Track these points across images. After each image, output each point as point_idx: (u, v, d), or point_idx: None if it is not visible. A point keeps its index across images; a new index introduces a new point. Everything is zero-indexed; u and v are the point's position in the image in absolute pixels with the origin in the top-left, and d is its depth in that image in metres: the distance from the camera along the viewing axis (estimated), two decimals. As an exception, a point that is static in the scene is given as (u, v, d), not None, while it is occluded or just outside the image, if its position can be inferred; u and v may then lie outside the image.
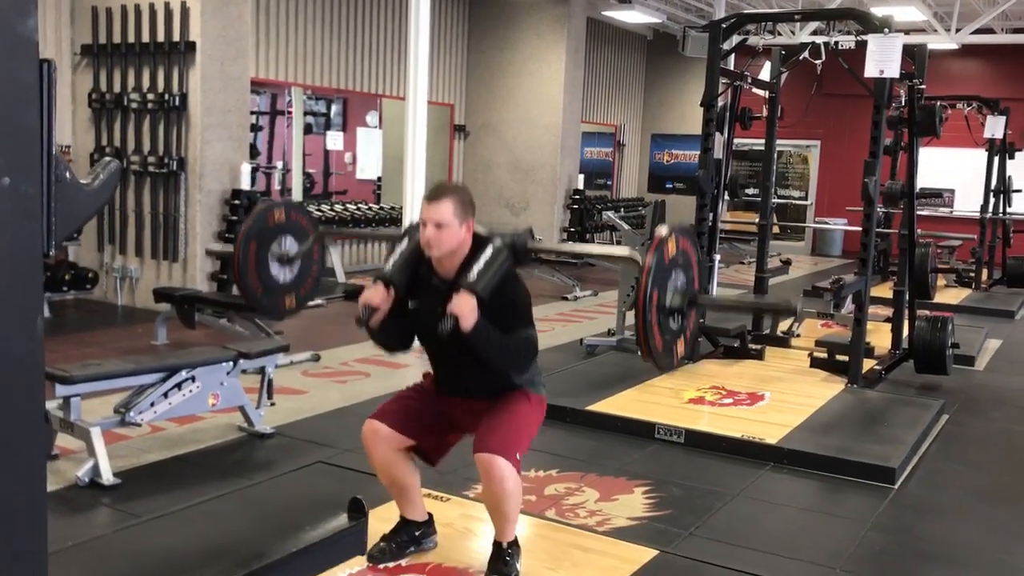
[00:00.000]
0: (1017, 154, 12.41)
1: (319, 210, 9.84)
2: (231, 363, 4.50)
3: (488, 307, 2.78)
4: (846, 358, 6.12)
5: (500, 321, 2.81)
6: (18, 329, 1.24)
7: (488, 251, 2.87)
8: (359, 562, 3.07)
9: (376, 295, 2.90)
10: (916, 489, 4.39)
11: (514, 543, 3.04)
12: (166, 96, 7.64)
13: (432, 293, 2.93)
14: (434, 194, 2.88)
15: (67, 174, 1.28)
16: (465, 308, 2.73)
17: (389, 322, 2.96)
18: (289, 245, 3.48)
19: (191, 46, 7.54)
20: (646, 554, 3.29)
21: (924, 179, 12.35)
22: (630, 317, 7.19)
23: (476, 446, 2.88)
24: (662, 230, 2.71)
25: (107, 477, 3.86)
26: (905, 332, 6.73)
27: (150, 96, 7.70)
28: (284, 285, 3.47)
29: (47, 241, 1.28)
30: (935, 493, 4.36)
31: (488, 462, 2.83)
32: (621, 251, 3.06)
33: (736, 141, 15.21)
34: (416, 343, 3.15)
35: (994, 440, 5.37)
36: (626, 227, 7.62)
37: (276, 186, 10.73)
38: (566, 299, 9.72)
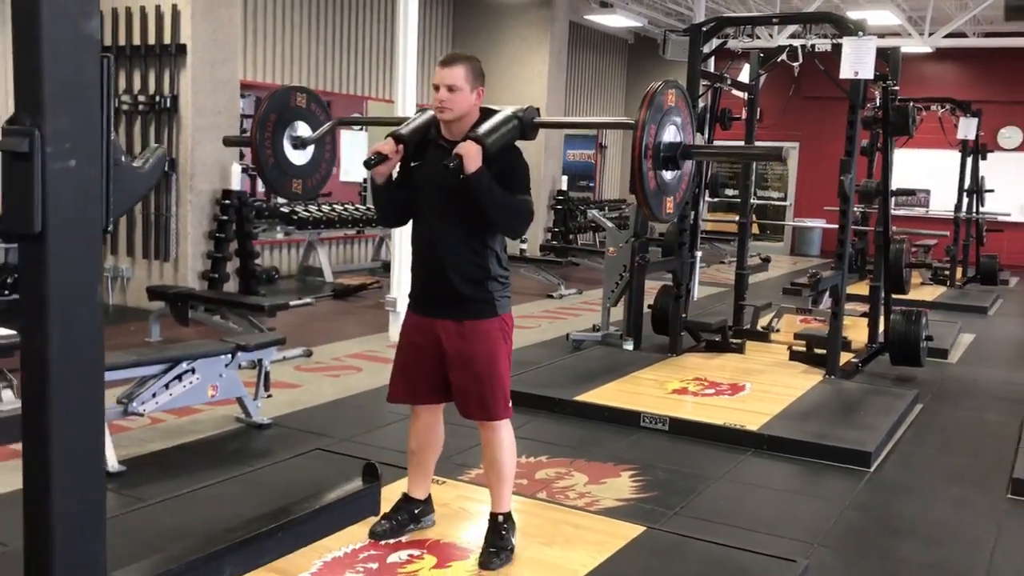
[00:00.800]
0: (989, 155, 12.70)
1: (306, 211, 9.97)
2: (230, 355, 4.64)
3: (490, 167, 2.91)
4: (824, 351, 6.31)
5: (501, 183, 2.94)
6: (81, 293, 1.39)
7: (499, 115, 3.03)
8: (361, 537, 3.22)
9: (386, 145, 3.05)
10: (891, 472, 4.59)
11: (509, 517, 3.19)
12: (157, 98, 7.76)
13: (438, 151, 3.05)
14: (448, 60, 3.01)
15: (123, 158, 1.43)
16: (471, 150, 2.87)
17: (394, 186, 3.11)
18: (304, 131, 3.62)
19: (182, 48, 7.67)
20: (634, 530, 3.45)
21: (901, 179, 12.61)
22: (615, 313, 7.37)
23: (474, 412, 3.09)
24: (655, 84, 2.85)
25: (112, 464, 3.98)
26: (881, 326, 6.94)
27: (141, 98, 7.82)
28: (295, 167, 3.60)
29: (106, 217, 1.43)
30: (908, 475, 4.56)
31: (489, 427, 3.10)
32: (621, 120, 3.18)
33: (717, 142, 15.46)
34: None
35: (965, 427, 5.57)
36: (610, 225, 7.80)
37: (261, 187, 10.84)
38: (551, 297, 9.90)
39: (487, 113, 3.06)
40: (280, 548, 2.21)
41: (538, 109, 3.17)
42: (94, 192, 1.40)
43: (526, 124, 3.06)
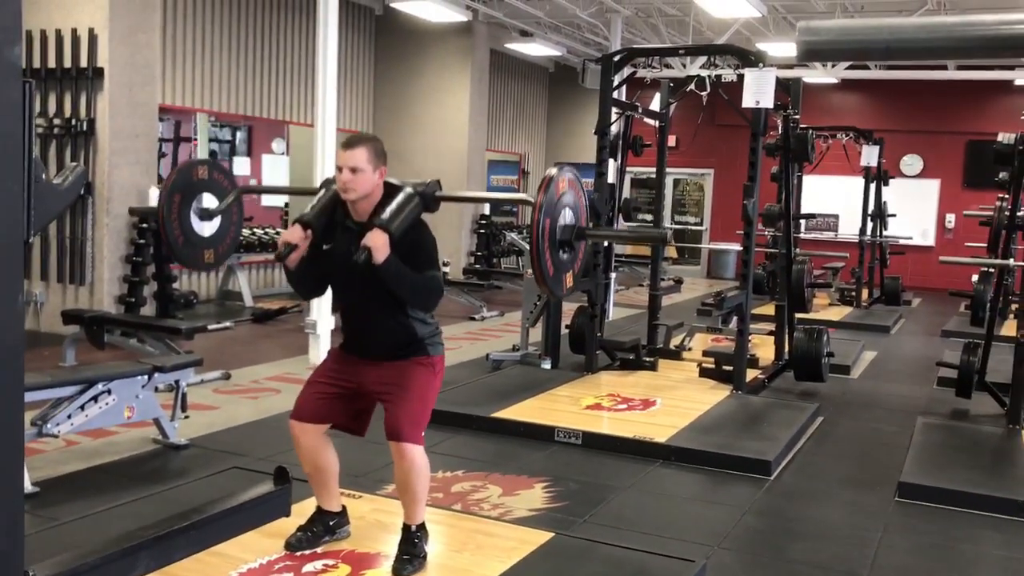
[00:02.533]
0: (892, 181, 13.33)
1: (227, 235, 9.94)
2: (146, 376, 4.66)
3: (398, 247, 3.04)
4: (731, 367, 6.59)
5: (408, 261, 3.07)
6: (3, 303, 1.49)
7: (400, 196, 3.14)
8: (277, 549, 3.30)
9: (294, 234, 3.15)
10: (790, 479, 4.84)
11: (422, 526, 3.31)
12: (74, 121, 7.71)
13: (346, 234, 3.17)
14: (350, 142, 3.13)
15: (43, 175, 1.54)
16: (378, 241, 3.00)
17: (306, 265, 3.20)
18: (210, 202, 3.69)
19: (99, 72, 7.64)
20: (543, 536, 3.60)
21: (810, 205, 13.18)
22: (534, 333, 7.56)
23: (387, 432, 3.15)
24: (552, 170, 3.02)
25: (25, 486, 3.97)
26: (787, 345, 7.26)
27: (57, 121, 7.75)
28: (204, 239, 3.67)
29: (27, 230, 1.53)
30: (806, 482, 4.82)
31: (398, 449, 3.13)
32: (517, 196, 3.36)
33: (635, 169, 15.90)
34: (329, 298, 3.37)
35: (862, 437, 5.89)
36: (528, 247, 7.99)
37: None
38: (473, 319, 10.04)
39: (390, 189, 3.18)
40: (193, 545, 2.30)
41: (439, 182, 3.32)
42: (16, 206, 1.50)
43: (428, 199, 3.21)
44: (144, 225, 7.92)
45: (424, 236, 3.19)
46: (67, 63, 7.74)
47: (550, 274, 3.02)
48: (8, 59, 1.47)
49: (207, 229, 3.68)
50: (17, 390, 1.54)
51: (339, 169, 3.12)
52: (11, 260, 1.52)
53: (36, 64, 7.82)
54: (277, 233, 10.77)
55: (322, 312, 6.99)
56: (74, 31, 7.70)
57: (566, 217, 3.05)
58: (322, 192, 3.29)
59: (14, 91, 1.49)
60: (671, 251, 17.65)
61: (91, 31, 7.64)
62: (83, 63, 7.68)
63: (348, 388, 3.28)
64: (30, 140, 1.52)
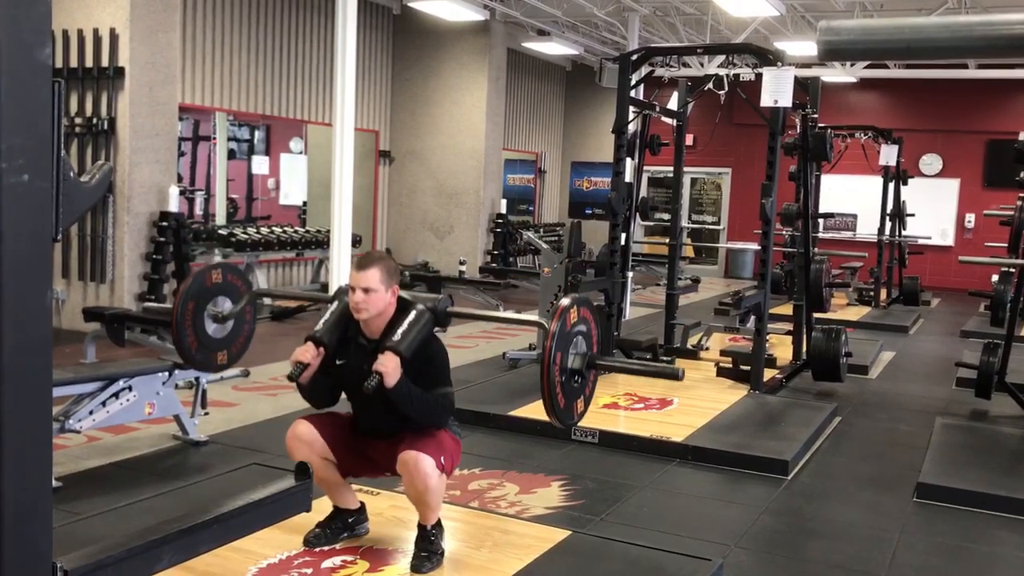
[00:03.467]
0: (911, 181, 13.26)
1: (244, 233, 10.00)
2: (167, 373, 4.71)
3: (410, 365, 3.08)
4: (748, 367, 6.58)
5: (420, 378, 3.11)
6: (33, 298, 1.52)
7: (412, 314, 3.17)
8: (295, 545, 3.33)
9: (306, 353, 3.17)
10: (807, 479, 4.83)
11: (438, 524, 3.32)
12: (94, 120, 7.78)
13: (359, 351, 3.22)
14: (362, 263, 3.18)
15: (71, 173, 1.56)
16: (389, 366, 3.02)
17: (318, 379, 3.23)
18: (223, 305, 3.73)
19: (120, 71, 7.71)
20: (560, 534, 3.61)
21: (829, 204, 13.14)
22: (549, 332, 7.56)
23: (400, 449, 3.13)
24: (564, 300, 3.03)
25: (48, 481, 4.02)
26: (805, 344, 7.23)
27: (79, 120, 7.83)
28: (217, 341, 3.71)
29: (56, 227, 1.56)
30: (824, 482, 4.81)
31: (413, 459, 3.08)
32: (531, 317, 3.39)
33: (653, 168, 15.86)
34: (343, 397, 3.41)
35: (880, 437, 5.86)
36: (545, 246, 8.00)
37: (199, 210, 10.84)
38: (489, 318, 10.04)
39: (403, 304, 3.22)
40: (216, 539, 2.33)
41: (451, 298, 3.37)
42: (45, 203, 1.53)
43: (440, 315, 3.24)
44: (164, 223, 7.99)
45: (436, 352, 3.22)
46: (88, 63, 7.81)
47: (560, 405, 3.02)
48: (39, 59, 1.50)
49: (221, 331, 3.72)
50: (45, 385, 1.57)
51: (352, 289, 3.16)
52: (40, 257, 1.55)
53: (58, 64, 7.90)
54: (295, 231, 10.83)
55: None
56: (95, 31, 7.77)
57: (578, 346, 3.06)
58: (334, 306, 3.32)
59: (44, 91, 1.52)
60: (688, 251, 17.63)
61: (112, 31, 7.71)
62: (104, 63, 7.75)
63: (360, 443, 3.32)
64: (59, 139, 1.55)
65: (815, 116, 7.25)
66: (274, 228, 10.55)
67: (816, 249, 8.10)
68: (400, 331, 3.11)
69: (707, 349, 7.82)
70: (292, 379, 3.16)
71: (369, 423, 3.34)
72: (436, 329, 3.23)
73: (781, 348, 7.80)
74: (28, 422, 1.52)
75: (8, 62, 1.42)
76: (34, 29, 1.44)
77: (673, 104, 8.28)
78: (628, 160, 7.40)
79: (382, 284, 3.14)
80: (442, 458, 3.17)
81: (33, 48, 1.46)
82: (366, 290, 3.11)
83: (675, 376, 3.16)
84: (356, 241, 9.62)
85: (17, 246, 1.48)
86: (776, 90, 6.32)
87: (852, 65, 13.81)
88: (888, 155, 12.04)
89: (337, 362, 3.26)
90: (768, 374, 6.78)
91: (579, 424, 5.25)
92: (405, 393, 3.06)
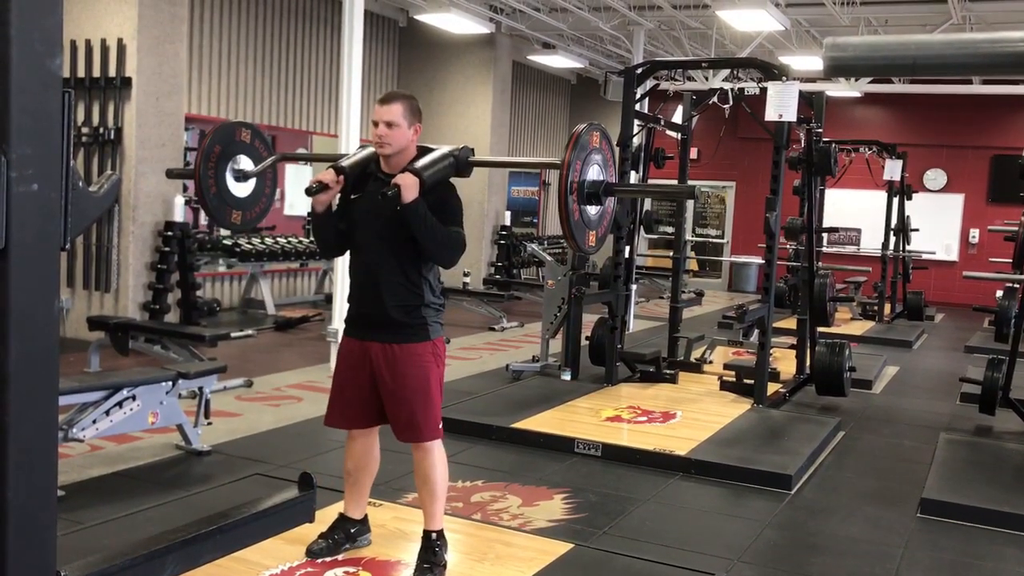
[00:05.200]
0: (915, 196, 13.26)
1: (249, 243, 10.02)
2: (170, 383, 4.71)
3: (426, 199, 3.09)
4: (752, 381, 6.57)
5: (435, 215, 3.12)
6: (41, 306, 1.52)
7: (435, 152, 3.22)
8: (298, 556, 3.32)
9: (327, 175, 3.21)
10: (810, 493, 4.82)
11: (441, 535, 3.32)
12: (101, 129, 7.81)
13: (377, 184, 3.23)
14: (386, 97, 3.21)
15: (80, 183, 1.57)
16: (409, 180, 3.05)
17: (332, 213, 3.27)
18: (248, 164, 3.75)
19: (127, 82, 7.74)
20: (563, 547, 3.61)
21: (833, 218, 13.14)
22: (554, 344, 7.57)
23: (404, 437, 3.22)
24: (580, 125, 3.06)
25: (51, 489, 4.02)
26: (809, 359, 7.22)
27: (85, 129, 7.86)
28: (236, 199, 3.72)
29: (64, 236, 1.57)
30: (827, 497, 4.79)
31: (417, 447, 3.23)
32: (548, 160, 3.38)
33: (657, 181, 15.92)
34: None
35: (884, 452, 5.85)
36: (549, 259, 8.01)
37: (204, 221, 10.87)
38: (493, 330, 10.06)
39: (424, 151, 3.25)
40: (220, 549, 2.33)
41: (472, 149, 3.38)
42: (54, 213, 1.54)
43: (461, 161, 3.27)
44: (170, 233, 8.02)
45: (452, 195, 3.25)
46: (96, 72, 7.85)
47: (576, 220, 3.04)
48: (50, 70, 1.52)
49: (241, 190, 3.73)
50: (52, 394, 1.58)
51: (375, 124, 3.19)
52: (49, 265, 1.56)
53: (66, 73, 7.93)
54: (299, 242, 10.85)
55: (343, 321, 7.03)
56: (103, 41, 7.81)
57: (594, 172, 3.08)
58: (359, 150, 3.38)
59: (55, 101, 1.53)
60: (692, 264, 17.62)
61: (120, 41, 7.75)
62: (111, 73, 7.79)
63: (366, 384, 3.28)
64: (69, 148, 1.56)
65: (820, 130, 7.26)
66: (278, 239, 10.57)
67: (820, 263, 8.10)
68: (422, 161, 3.15)
69: (711, 362, 7.81)
70: (309, 195, 3.19)
71: (368, 275, 3.24)
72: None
73: (785, 362, 7.79)
74: (34, 430, 1.52)
75: (19, 72, 1.43)
76: (45, 39, 1.45)
77: (678, 117, 8.29)
78: (633, 173, 7.41)
79: (404, 119, 3.16)
80: (439, 425, 3.24)
81: (44, 58, 1.47)
82: (389, 124, 3.15)
83: (691, 194, 3.21)
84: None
85: (26, 255, 1.49)
86: (781, 104, 6.33)
87: (857, 80, 13.83)
88: (892, 170, 12.05)
89: (352, 196, 3.28)
90: (772, 388, 6.77)
91: (582, 437, 5.28)
92: (421, 213, 3.07)
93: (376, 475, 3.51)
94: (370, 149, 3.32)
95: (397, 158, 3.21)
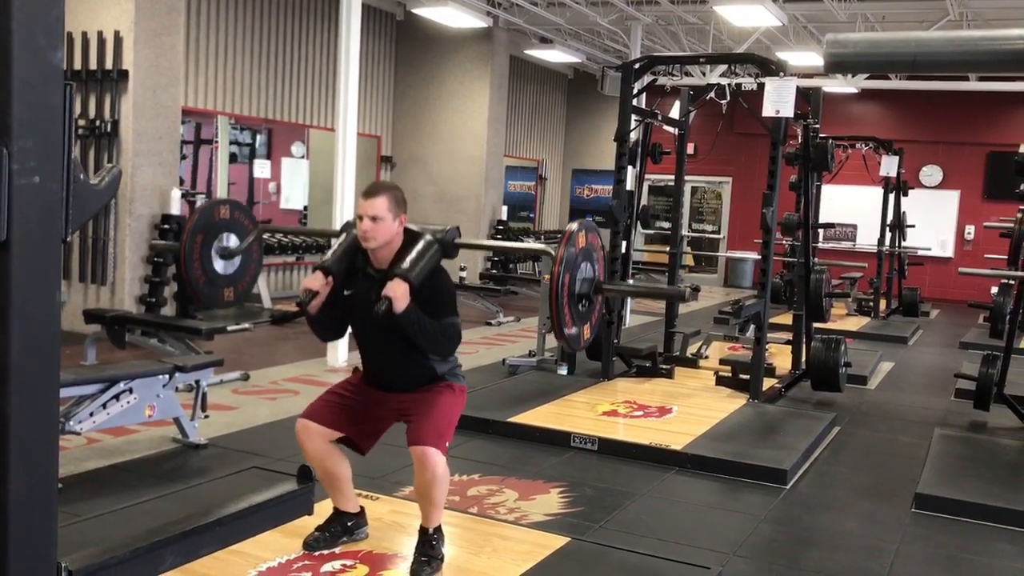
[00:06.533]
0: (911, 192, 13.28)
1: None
2: (167, 376, 4.71)
3: (418, 294, 3.10)
4: (748, 376, 6.58)
5: (428, 309, 3.13)
6: (39, 301, 1.53)
7: (420, 244, 3.20)
8: (295, 549, 3.33)
9: (315, 281, 3.20)
10: (806, 488, 4.84)
11: (438, 529, 3.33)
12: (98, 122, 7.80)
13: (367, 281, 3.23)
14: (370, 191, 3.19)
15: (81, 175, 1.57)
16: (398, 291, 3.05)
17: (326, 310, 3.25)
18: (231, 242, 3.73)
19: (124, 74, 7.73)
20: (559, 541, 3.62)
21: (829, 214, 13.15)
22: (550, 340, 7.57)
23: (410, 439, 3.17)
24: (572, 225, 3.05)
25: (48, 482, 4.02)
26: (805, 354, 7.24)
27: (81, 122, 7.84)
28: (225, 277, 3.72)
29: (65, 229, 1.58)
30: (822, 491, 4.81)
31: (422, 453, 3.12)
32: (537, 247, 3.41)
33: (654, 177, 15.93)
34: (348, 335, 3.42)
35: (879, 447, 5.87)
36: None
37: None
38: (490, 324, 10.07)
39: (410, 235, 3.24)
40: (219, 541, 2.34)
41: (458, 228, 3.39)
42: (55, 205, 1.54)
43: (447, 245, 3.29)
44: (166, 226, 8.01)
45: (443, 283, 3.25)
46: (92, 65, 7.83)
47: (569, 328, 3.05)
48: (52, 62, 1.52)
49: (228, 267, 3.73)
50: (53, 387, 1.58)
51: (360, 218, 3.16)
52: (50, 258, 1.57)
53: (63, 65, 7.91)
54: (296, 236, 10.84)
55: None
56: (100, 34, 7.79)
57: (585, 271, 3.08)
58: (342, 237, 3.34)
59: (56, 94, 1.53)
60: (688, 259, 17.64)
61: (116, 34, 7.73)
62: (108, 65, 7.77)
63: (365, 405, 3.33)
64: (70, 141, 1.56)
65: (816, 126, 7.27)
66: (275, 233, 10.56)
67: (816, 259, 8.11)
68: (409, 259, 3.14)
69: (706, 358, 7.83)
70: (301, 307, 3.19)
71: (375, 362, 3.32)
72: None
73: (780, 357, 7.81)
74: (35, 423, 1.53)
75: (21, 65, 1.43)
76: (47, 32, 1.46)
77: (675, 113, 8.30)
78: (629, 168, 7.42)
79: (389, 212, 3.15)
80: (447, 443, 3.21)
81: (46, 51, 1.47)
82: (374, 218, 3.13)
83: (680, 297, 3.19)
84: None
85: (27, 247, 1.49)
86: (778, 100, 6.34)
87: (854, 76, 13.83)
88: (889, 166, 12.06)
89: (345, 292, 3.27)
90: (767, 383, 6.79)
91: (579, 431, 5.30)
92: (414, 318, 3.08)
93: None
94: (353, 234, 3.28)
95: (383, 251, 3.20)
